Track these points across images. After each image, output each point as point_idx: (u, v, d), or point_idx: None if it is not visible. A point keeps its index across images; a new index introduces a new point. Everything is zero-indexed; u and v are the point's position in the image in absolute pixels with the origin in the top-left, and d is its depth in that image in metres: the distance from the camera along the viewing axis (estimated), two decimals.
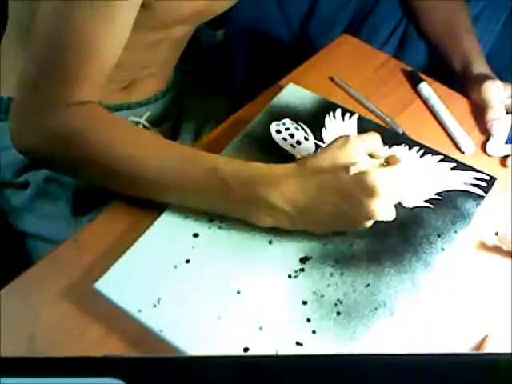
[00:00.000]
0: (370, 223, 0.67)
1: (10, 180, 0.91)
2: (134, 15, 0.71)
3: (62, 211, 0.86)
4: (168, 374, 0.33)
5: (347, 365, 0.35)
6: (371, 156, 0.68)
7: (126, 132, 0.71)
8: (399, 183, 0.66)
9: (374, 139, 0.68)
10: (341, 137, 0.67)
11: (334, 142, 0.67)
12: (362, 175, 0.63)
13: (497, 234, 0.73)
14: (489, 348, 0.64)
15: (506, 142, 0.87)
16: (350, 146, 0.66)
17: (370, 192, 0.62)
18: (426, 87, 0.94)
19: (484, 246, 0.74)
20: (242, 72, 1.27)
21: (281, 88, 0.89)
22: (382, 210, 0.64)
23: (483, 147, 0.87)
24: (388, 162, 0.69)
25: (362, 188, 0.63)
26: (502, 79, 0.95)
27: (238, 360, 0.36)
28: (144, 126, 0.98)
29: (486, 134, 0.89)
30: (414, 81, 0.96)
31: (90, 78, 0.70)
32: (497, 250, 0.73)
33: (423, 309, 0.66)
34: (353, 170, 0.64)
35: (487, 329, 0.66)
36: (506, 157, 0.85)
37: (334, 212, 0.65)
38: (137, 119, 0.98)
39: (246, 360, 0.37)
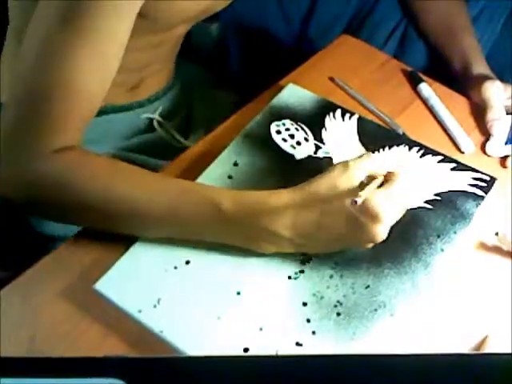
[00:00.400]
0: (370, 245, 0.66)
1: None
2: (122, 50, 0.69)
3: None
4: (168, 373, 0.33)
5: (347, 365, 0.35)
6: (370, 177, 0.67)
7: (115, 171, 0.68)
8: (400, 201, 0.66)
9: (371, 161, 0.67)
10: (339, 163, 0.66)
11: (333, 168, 0.66)
12: (365, 201, 0.62)
13: (497, 234, 0.73)
14: (489, 348, 0.64)
15: (506, 143, 0.87)
16: (350, 172, 0.65)
17: (374, 217, 0.62)
18: (425, 87, 0.94)
19: (484, 246, 0.73)
20: (243, 72, 1.27)
21: (281, 88, 0.89)
22: (384, 232, 0.64)
23: (483, 147, 0.87)
24: (386, 177, 0.68)
25: (366, 214, 0.62)
26: (502, 79, 0.95)
27: (238, 360, 0.36)
28: (158, 122, 0.99)
29: (486, 134, 0.89)
30: (413, 81, 0.96)
31: (74, 122, 0.67)
32: (497, 249, 0.73)
33: (423, 309, 0.65)
34: (352, 194, 0.63)
35: (487, 329, 0.66)
36: (505, 157, 0.85)
37: (337, 236, 0.65)
38: (150, 115, 0.99)
39: (246, 360, 0.37)
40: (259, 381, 0.34)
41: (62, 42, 0.64)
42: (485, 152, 0.87)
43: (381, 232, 0.63)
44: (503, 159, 0.86)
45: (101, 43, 0.66)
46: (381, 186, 0.65)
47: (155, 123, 0.99)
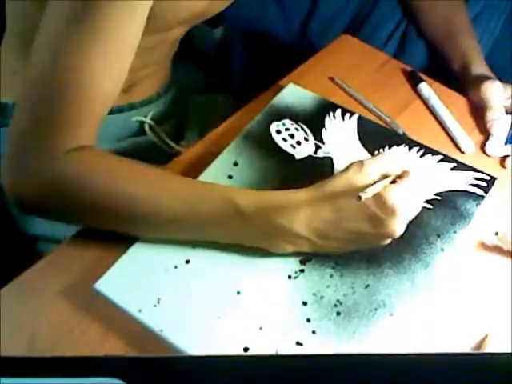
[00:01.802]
0: (389, 241, 0.67)
1: None
2: (135, 46, 0.69)
3: None
4: (168, 373, 0.33)
5: (347, 364, 0.35)
6: (384, 176, 0.67)
7: (131, 172, 0.67)
8: (415, 198, 0.66)
9: (386, 160, 0.67)
10: (354, 162, 0.67)
11: (348, 167, 0.66)
12: (381, 196, 0.63)
13: (497, 233, 0.73)
14: (489, 348, 0.64)
15: (506, 143, 0.87)
16: (365, 170, 0.65)
17: (391, 212, 0.62)
18: (425, 87, 0.94)
19: (484, 246, 0.74)
20: (243, 72, 1.27)
21: (281, 88, 0.89)
22: (401, 228, 0.64)
23: (483, 147, 0.87)
24: (400, 175, 0.68)
25: (383, 209, 0.63)
26: (502, 79, 0.95)
27: (238, 360, 0.36)
28: (149, 125, 0.98)
29: (486, 134, 0.89)
30: (413, 81, 0.96)
31: (88, 122, 0.67)
32: (497, 249, 0.73)
33: (423, 309, 0.66)
34: (369, 191, 0.63)
35: (487, 329, 0.66)
36: (505, 157, 0.86)
37: (354, 234, 0.65)
38: (141, 118, 0.98)
39: (246, 360, 0.37)
40: (259, 381, 0.34)
41: (75, 42, 0.64)
42: (485, 152, 0.87)
43: (398, 227, 0.64)
44: (503, 159, 0.86)
45: (114, 43, 0.66)
46: (393, 182, 0.66)
47: (146, 127, 0.98)
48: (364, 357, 0.37)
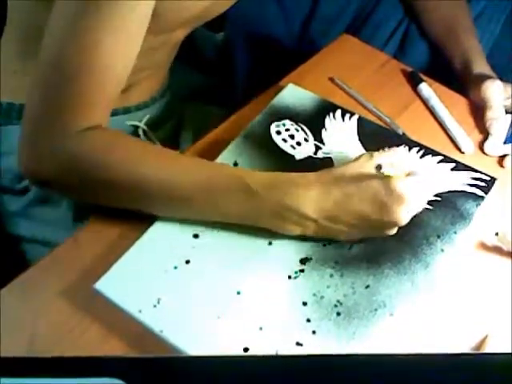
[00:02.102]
0: (395, 230, 0.68)
1: (7, 186, 0.91)
2: (145, 29, 0.70)
3: (63, 216, 0.86)
4: (168, 373, 0.33)
5: (347, 365, 0.35)
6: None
7: (145, 152, 0.69)
8: (422, 192, 0.69)
9: (395, 155, 0.70)
10: (365, 153, 0.69)
11: (358, 157, 0.69)
12: (391, 182, 0.65)
13: (497, 234, 0.73)
14: (489, 348, 0.64)
15: (505, 142, 0.87)
16: (375, 160, 0.67)
17: (399, 199, 0.64)
18: (426, 88, 0.94)
19: (484, 246, 0.74)
20: (243, 72, 1.27)
21: (281, 88, 0.89)
22: (407, 217, 0.66)
23: (483, 147, 0.87)
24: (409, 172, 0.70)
25: (391, 194, 0.64)
26: (502, 79, 0.95)
27: (237, 360, 0.36)
28: (143, 130, 0.98)
29: (486, 134, 0.89)
30: (414, 81, 0.96)
31: (100, 101, 0.68)
32: (497, 249, 0.73)
33: (423, 309, 0.66)
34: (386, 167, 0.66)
35: (487, 329, 0.66)
36: (503, 156, 0.85)
37: (361, 219, 0.66)
38: (136, 123, 0.97)
39: (246, 360, 0.37)
40: (259, 381, 0.34)
41: (86, 25, 0.65)
42: (484, 152, 0.87)
43: (404, 215, 0.65)
44: (501, 158, 0.86)
45: (124, 25, 0.66)
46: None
47: (140, 131, 0.97)
48: (363, 357, 0.37)
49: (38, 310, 0.63)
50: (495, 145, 0.87)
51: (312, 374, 0.34)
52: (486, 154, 0.87)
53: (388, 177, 0.65)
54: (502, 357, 0.37)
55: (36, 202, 0.89)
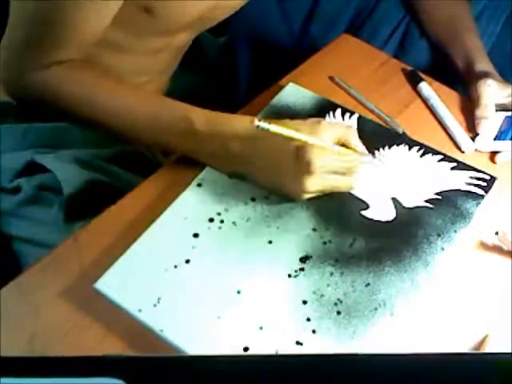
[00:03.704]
0: (305, 196, 0.71)
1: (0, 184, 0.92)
2: (119, 4, 0.74)
3: (54, 217, 0.87)
4: (168, 373, 0.33)
5: (346, 364, 0.35)
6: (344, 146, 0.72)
7: (97, 84, 0.76)
8: (339, 169, 0.71)
9: (346, 130, 0.72)
10: (314, 118, 0.72)
11: (306, 120, 0.71)
12: (303, 149, 0.67)
13: (497, 233, 0.73)
14: (489, 348, 0.64)
15: (495, 138, 0.86)
16: (320, 128, 0.70)
17: (305, 167, 0.67)
18: (425, 87, 0.94)
19: (484, 246, 0.73)
20: (245, 72, 1.27)
21: (281, 88, 0.89)
22: (312, 188, 0.69)
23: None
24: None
25: (299, 160, 0.67)
26: (503, 79, 0.94)
27: (237, 360, 0.36)
28: None
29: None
30: (413, 80, 0.96)
31: (69, 40, 0.75)
32: (497, 249, 0.73)
33: (423, 308, 0.65)
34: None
35: (487, 329, 0.66)
36: (495, 153, 0.85)
37: (271, 171, 0.71)
38: None
39: (246, 360, 0.37)
40: (259, 381, 0.34)
41: None
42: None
43: (308, 186, 0.68)
44: (493, 154, 0.86)
45: None
46: None
47: None
48: (362, 357, 0.37)
49: (37, 310, 0.63)
50: (485, 141, 0.86)
51: (312, 374, 0.34)
52: (479, 150, 0.86)
53: (308, 144, 0.68)
54: (502, 357, 0.37)
55: (27, 202, 0.89)
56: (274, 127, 0.65)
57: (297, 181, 0.69)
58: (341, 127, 0.73)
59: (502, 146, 0.86)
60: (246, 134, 0.71)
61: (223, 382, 0.33)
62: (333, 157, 0.70)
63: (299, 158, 0.68)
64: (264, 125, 0.65)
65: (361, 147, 0.74)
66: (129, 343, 0.61)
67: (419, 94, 0.95)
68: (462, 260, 0.71)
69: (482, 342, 0.65)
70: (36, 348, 0.60)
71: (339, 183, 0.72)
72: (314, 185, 0.69)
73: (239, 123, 0.72)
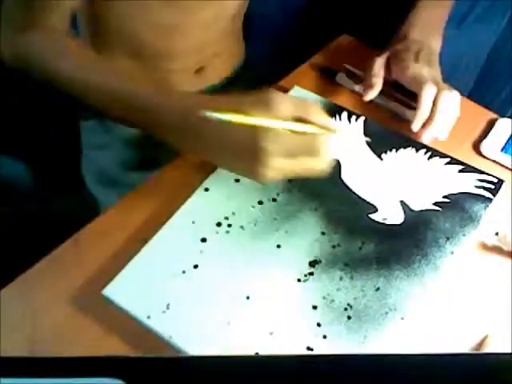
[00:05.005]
0: (266, 178, 0.64)
1: None
2: None
3: None
4: (168, 373, 0.33)
5: (349, 364, 0.35)
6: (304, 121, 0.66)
7: (63, 52, 0.77)
8: (301, 150, 0.64)
9: (301, 103, 0.66)
10: (263, 92, 0.65)
11: (256, 95, 0.65)
12: (254, 134, 0.62)
13: (497, 233, 0.73)
14: (489, 348, 0.63)
15: (502, 150, 0.85)
16: (273, 104, 0.64)
17: (260, 149, 0.62)
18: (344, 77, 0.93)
19: (484, 246, 0.73)
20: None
21: (280, 88, 0.89)
22: (269, 173, 0.63)
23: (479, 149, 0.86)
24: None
25: (255, 142, 0.62)
26: (501, 79, 0.93)
27: (238, 360, 0.36)
28: None
29: (484, 136, 0.87)
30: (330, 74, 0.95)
31: (42, 6, 0.77)
32: (497, 250, 0.73)
33: (432, 311, 0.65)
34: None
35: (487, 329, 0.65)
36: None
37: (231, 160, 0.67)
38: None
39: (246, 360, 0.37)
40: (259, 381, 0.33)
41: None
42: (481, 154, 0.85)
43: (267, 172, 0.63)
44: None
45: None
46: None
47: None
48: (365, 357, 0.36)
49: (37, 310, 0.63)
50: (491, 149, 0.85)
51: (314, 375, 0.34)
52: (484, 156, 0.85)
53: (255, 126, 0.63)
54: (502, 357, 0.37)
55: None
56: (224, 116, 0.61)
57: (255, 168, 0.64)
58: (296, 101, 0.66)
59: (506, 159, 0.84)
60: (189, 119, 0.67)
61: (223, 382, 0.33)
62: (290, 137, 0.64)
63: (251, 146, 0.62)
64: (211, 114, 0.60)
65: (324, 121, 0.67)
66: (129, 343, 0.61)
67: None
68: (462, 260, 0.71)
69: (482, 341, 0.64)
70: (36, 348, 0.60)
71: (306, 166, 0.65)
72: (274, 171, 0.64)
73: (181, 101, 0.69)
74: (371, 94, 0.86)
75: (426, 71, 0.84)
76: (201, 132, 0.66)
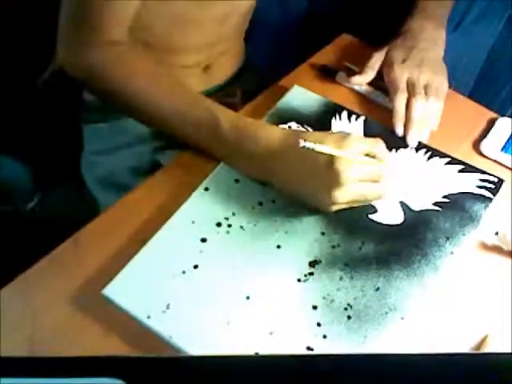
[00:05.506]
0: (334, 208, 0.70)
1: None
2: None
3: None
4: (168, 373, 0.33)
5: (348, 364, 0.35)
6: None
7: (134, 71, 0.79)
8: (371, 187, 0.71)
9: (373, 142, 0.71)
10: (342, 132, 0.72)
11: (334, 132, 0.71)
12: (333, 159, 0.67)
13: (497, 233, 0.73)
14: (489, 348, 0.63)
15: (502, 149, 0.85)
16: (347, 141, 0.69)
17: (334, 176, 0.67)
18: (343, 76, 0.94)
19: (484, 246, 0.73)
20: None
21: (280, 88, 0.89)
22: (340, 198, 0.68)
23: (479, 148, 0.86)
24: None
25: (328, 169, 0.67)
26: (500, 79, 0.93)
27: (238, 360, 0.36)
28: None
29: (484, 135, 0.87)
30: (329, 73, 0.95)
31: (117, 21, 0.79)
32: (497, 249, 0.73)
33: (431, 311, 0.65)
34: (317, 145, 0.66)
35: (487, 329, 0.65)
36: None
37: (302, 183, 0.70)
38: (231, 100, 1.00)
39: (246, 360, 0.37)
40: (259, 381, 0.33)
41: None
42: (482, 154, 0.85)
43: (337, 195, 0.67)
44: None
45: None
46: None
47: None
48: (365, 357, 0.36)
49: (37, 310, 0.63)
50: (491, 148, 0.85)
51: (314, 375, 0.34)
52: (484, 155, 0.85)
53: (335, 156, 0.67)
54: (502, 357, 0.37)
55: None
56: (320, 147, 0.65)
57: (326, 192, 0.68)
58: (369, 140, 0.71)
59: (506, 159, 0.84)
60: (272, 145, 0.72)
61: (223, 382, 0.33)
62: (360, 166, 0.69)
63: (329, 170, 0.67)
64: (310, 145, 0.64)
65: (386, 157, 0.73)
66: (129, 343, 0.61)
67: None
68: (462, 260, 0.71)
69: (482, 341, 0.64)
70: (36, 348, 0.60)
71: (367, 192, 0.71)
72: (343, 195, 0.68)
73: (266, 132, 0.73)
74: (357, 79, 0.90)
75: (408, 74, 0.87)
76: (288, 159, 0.71)
